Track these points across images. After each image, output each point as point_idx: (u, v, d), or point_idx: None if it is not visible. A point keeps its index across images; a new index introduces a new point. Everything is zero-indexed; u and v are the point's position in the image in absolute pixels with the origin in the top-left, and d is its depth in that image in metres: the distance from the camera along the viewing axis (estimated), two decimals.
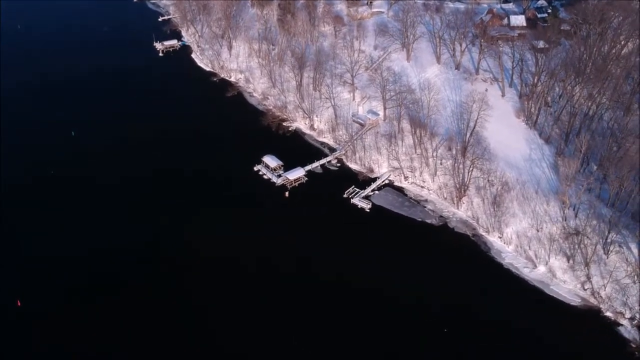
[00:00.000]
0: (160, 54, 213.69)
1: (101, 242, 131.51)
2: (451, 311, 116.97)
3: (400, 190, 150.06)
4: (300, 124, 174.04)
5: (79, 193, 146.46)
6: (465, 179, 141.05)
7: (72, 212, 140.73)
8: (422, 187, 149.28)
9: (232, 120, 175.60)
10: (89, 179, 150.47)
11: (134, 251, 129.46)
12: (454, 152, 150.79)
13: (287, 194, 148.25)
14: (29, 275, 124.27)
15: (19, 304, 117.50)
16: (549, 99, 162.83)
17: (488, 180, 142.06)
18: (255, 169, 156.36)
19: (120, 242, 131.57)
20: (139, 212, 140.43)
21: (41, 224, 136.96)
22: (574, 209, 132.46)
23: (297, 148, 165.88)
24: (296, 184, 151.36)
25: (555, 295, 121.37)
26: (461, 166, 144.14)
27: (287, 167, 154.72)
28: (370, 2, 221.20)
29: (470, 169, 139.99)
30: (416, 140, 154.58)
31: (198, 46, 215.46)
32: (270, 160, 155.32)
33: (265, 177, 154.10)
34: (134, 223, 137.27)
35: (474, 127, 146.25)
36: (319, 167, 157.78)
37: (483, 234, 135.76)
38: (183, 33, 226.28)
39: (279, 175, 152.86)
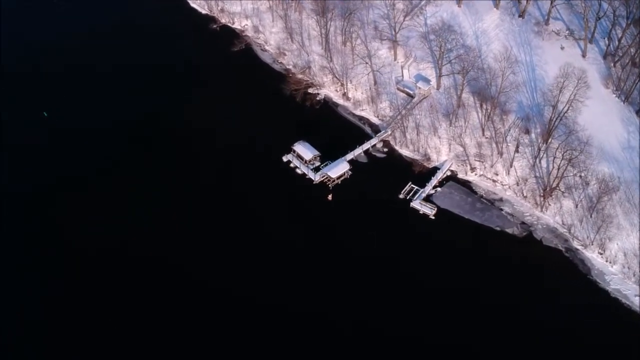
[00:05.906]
0: None
1: None
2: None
3: (466, 184, 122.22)
4: (329, 90, 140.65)
5: None
6: (555, 177, 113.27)
7: None
8: (494, 181, 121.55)
9: (242, 87, 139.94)
10: None
11: None
12: (533, 136, 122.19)
13: (330, 196, 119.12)
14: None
15: None
16: (637, 58, 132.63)
17: (580, 177, 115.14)
18: (285, 159, 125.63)
19: None
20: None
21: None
22: None
23: (330, 125, 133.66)
24: (339, 180, 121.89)
25: None
26: (544, 155, 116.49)
27: (324, 154, 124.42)
28: None
29: (563, 165, 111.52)
30: (483, 120, 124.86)
31: None
32: (304, 150, 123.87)
33: (298, 171, 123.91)
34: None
35: (565, 111, 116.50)
36: (362, 153, 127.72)
37: (578, 247, 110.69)
38: None
39: (317, 169, 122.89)
